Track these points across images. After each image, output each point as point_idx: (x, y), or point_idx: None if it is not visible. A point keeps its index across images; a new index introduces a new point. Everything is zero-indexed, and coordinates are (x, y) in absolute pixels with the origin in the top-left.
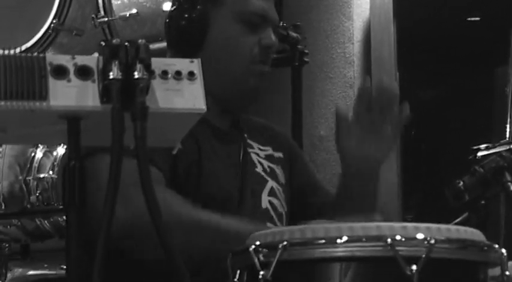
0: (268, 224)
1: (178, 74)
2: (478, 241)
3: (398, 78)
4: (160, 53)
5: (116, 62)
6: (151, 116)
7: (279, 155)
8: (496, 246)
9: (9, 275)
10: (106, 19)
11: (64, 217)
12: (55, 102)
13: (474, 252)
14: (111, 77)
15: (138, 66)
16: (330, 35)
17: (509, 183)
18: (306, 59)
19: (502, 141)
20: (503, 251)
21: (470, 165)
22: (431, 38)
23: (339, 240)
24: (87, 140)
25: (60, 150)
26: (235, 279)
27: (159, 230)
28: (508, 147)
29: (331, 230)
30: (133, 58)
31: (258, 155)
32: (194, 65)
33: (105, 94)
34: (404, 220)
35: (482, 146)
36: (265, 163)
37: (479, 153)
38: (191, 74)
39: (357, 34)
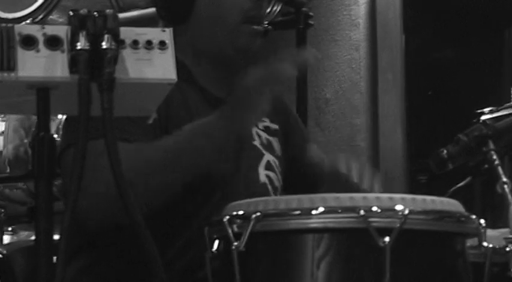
0: None
1: (148, 44)
2: (454, 212)
3: (404, 40)
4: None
5: (84, 32)
6: (121, 86)
7: (275, 127)
8: (474, 216)
9: (6, 238)
10: None
11: None
12: (23, 73)
13: (450, 223)
14: (78, 47)
15: (106, 36)
16: None
17: (492, 152)
18: (310, 22)
19: (506, 105)
20: (482, 221)
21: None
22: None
23: (314, 212)
24: (58, 110)
25: None
26: (213, 250)
27: (123, 196)
28: (510, 111)
29: (305, 201)
30: (101, 28)
31: (256, 126)
32: (166, 35)
33: (73, 64)
34: (418, 182)
35: (486, 110)
36: (263, 135)
37: (483, 117)
38: (162, 44)
39: None
